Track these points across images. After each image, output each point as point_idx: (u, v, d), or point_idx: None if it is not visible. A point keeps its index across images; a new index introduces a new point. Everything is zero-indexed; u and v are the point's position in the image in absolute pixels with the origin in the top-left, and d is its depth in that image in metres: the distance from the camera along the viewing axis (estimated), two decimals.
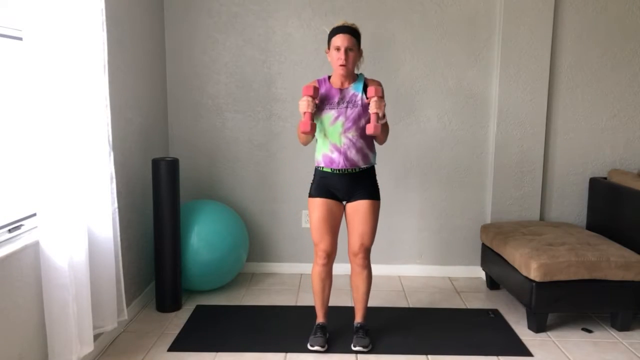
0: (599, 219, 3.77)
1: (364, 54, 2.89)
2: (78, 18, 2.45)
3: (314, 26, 3.85)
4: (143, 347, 2.92)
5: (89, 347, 2.51)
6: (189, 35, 3.88)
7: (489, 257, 3.67)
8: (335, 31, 2.75)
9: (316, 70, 3.86)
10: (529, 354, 2.88)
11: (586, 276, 3.05)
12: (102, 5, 2.59)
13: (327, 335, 2.96)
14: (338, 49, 2.72)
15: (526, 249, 3.16)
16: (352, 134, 2.75)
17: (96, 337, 2.73)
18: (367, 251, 2.88)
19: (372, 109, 2.65)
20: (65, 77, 2.34)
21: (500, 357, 2.85)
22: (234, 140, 3.98)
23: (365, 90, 2.78)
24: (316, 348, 2.86)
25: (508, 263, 3.33)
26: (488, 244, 3.66)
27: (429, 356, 2.85)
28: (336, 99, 2.77)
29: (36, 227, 2.36)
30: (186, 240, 3.42)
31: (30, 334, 2.29)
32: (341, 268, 3.49)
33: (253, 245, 4.06)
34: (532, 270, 3.03)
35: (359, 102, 2.75)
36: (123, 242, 3.03)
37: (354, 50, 2.74)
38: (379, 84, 2.83)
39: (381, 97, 2.67)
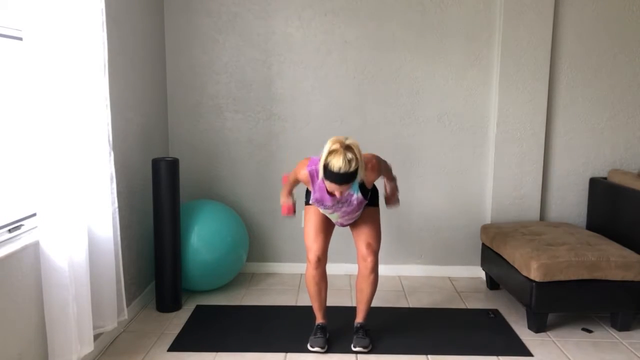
0: (599, 219, 3.77)
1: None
2: (78, 18, 2.45)
3: (314, 26, 3.85)
4: (143, 347, 2.92)
5: (89, 347, 2.51)
6: (189, 35, 3.88)
7: (489, 257, 3.67)
8: (330, 176, 2.48)
9: (316, 70, 3.87)
10: (529, 354, 2.88)
11: (586, 276, 3.05)
12: (102, 5, 2.59)
13: (327, 335, 2.96)
14: (332, 189, 2.56)
15: (526, 249, 3.16)
16: (347, 217, 2.83)
17: (96, 337, 2.73)
18: (375, 253, 2.88)
19: (389, 193, 2.93)
20: (65, 77, 2.34)
21: (500, 357, 2.85)
22: (234, 140, 3.98)
23: (361, 187, 2.67)
24: (316, 349, 2.86)
25: (508, 263, 3.33)
26: (488, 244, 3.66)
27: (429, 356, 2.85)
28: (330, 204, 2.71)
29: (36, 227, 2.36)
30: (186, 240, 3.42)
31: (30, 334, 2.28)
32: (341, 268, 3.50)
33: (253, 245, 4.06)
34: (532, 270, 3.03)
35: (355, 202, 2.70)
36: (123, 242, 3.03)
37: (349, 187, 2.58)
38: (376, 172, 2.71)
39: (393, 188, 2.93)
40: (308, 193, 2.91)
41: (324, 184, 2.63)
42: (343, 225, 2.94)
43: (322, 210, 2.83)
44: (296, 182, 2.86)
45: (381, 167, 2.76)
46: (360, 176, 2.55)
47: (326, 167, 2.47)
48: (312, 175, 2.67)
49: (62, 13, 2.31)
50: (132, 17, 3.28)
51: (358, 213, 2.82)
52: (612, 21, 3.81)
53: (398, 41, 3.86)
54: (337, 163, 2.42)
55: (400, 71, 3.89)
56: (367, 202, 2.77)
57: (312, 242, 2.88)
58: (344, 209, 2.74)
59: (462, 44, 3.85)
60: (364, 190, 2.71)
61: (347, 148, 2.45)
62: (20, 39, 2.23)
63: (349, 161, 2.43)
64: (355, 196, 2.69)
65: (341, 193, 2.56)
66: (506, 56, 3.78)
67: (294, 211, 3.01)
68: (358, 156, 2.47)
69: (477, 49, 3.86)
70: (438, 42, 3.85)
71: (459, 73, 3.88)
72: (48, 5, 2.22)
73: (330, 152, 2.46)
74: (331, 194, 2.66)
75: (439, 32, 3.85)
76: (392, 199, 3.01)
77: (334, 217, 2.85)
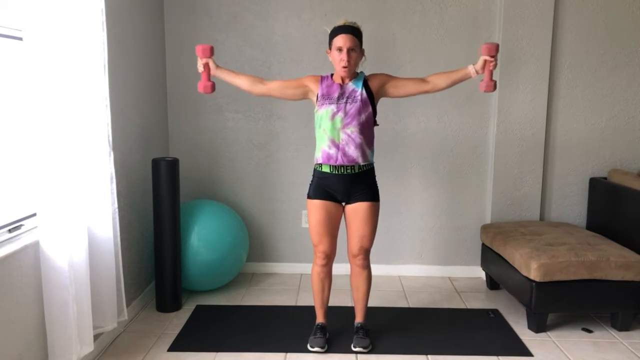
0: (599, 219, 3.77)
1: (365, 52, 2.87)
2: (78, 18, 2.45)
3: (314, 26, 3.85)
4: (143, 347, 2.92)
5: (89, 347, 2.51)
6: (189, 35, 3.88)
7: (489, 257, 3.67)
8: (336, 31, 2.72)
9: (316, 70, 3.85)
10: (529, 354, 2.88)
11: (586, 276, 3.05)
12: (102, 5, 2.59)
13: (327, 335, 2.96)
14: (340, 49, 2.69)
15: (526, 249, 3.16)
16: (350, 130, 2.72)
17: (96, 337, 2.73)
18: (366, 252, 2.88)
19: (487, 70, 2.71)
20: (65, 77, 2.34)
21: (500, 357, 2.85)
22: (234, 140, 3.98)
23: (365, 85, 2.77)
24: (316, 349, 2.86)
25: (508, 263, 3.33)
26: (488, 244, 3.66)
27: (429, 356, 2.85)
28: (336, 95, 2.75)
29: (36, 227, 2.36)
30: (186, 240, 3.42)
31: (30, 334, 2.29)
32: (341, 268, 3.49)
33: (253, 245, 4.06)
34: (532, 270, 3.03)
35: (359, 98, 2.74)
36: (123, 242, 3.03)
37: (356, 51, 2.73)
38: (380, 74, 2.85)
39: (494, 53, 2.69)
40: (310, 185, 2.88)
41: (331, 80, 2.79)
42: (345, 156, 2.74)
43: (326, 114, 2.72)
44: (294, 85, 2.84)
45: (385, 75, 2.86)
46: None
47: (333, 30, 2.74)
48: (322, 77, 2.83)
49: (62, 13, 2.31)
50: (132, 17, 3.28)
51: (362, 117, 2.73)
52: (612, 21, 3.81)
53: (398, 41, 3.86)
54: (342, 21, 2.75)
55: (400, 71, 3.88)
56: (371, 111, 2.77)
57: (318, 240, 2.85)
58: (348, 106, 2.72)
59: (462, 44, 3.85)
60: (369, 94, 2.77)
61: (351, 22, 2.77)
62: (20, 39, 2.23)
63: (353, 23, 2.76)
64: (359, 91, 2.74)
65: (348, 54, 2.67)
66: (506, 56, 3.77)
67: (211, 89, 2.79)
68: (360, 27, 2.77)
69: (477, 49, 3.84)
70: (438, 42, 3.85)
71: None
72: (48, 5, 2.22)
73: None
74: (337, 81, 2.77)
75: (439, 32, 3.85)
76: (491, 81, 2.74)
77: (335, 127, 2.72)
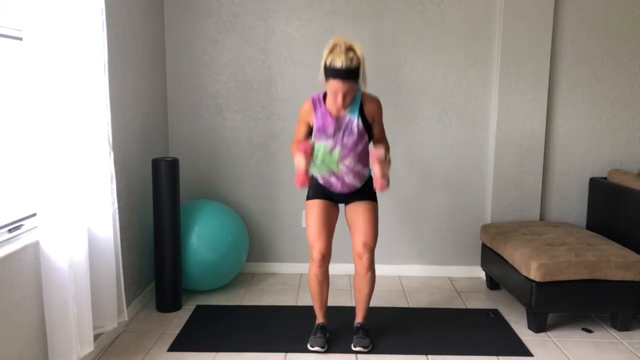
0: (599, 219, 3.77)
1: (367, 78, 2.71)
2: (78, 18, 2.45)
3: (314, 26, 3.85)
4: (143, 347, 2.92)
5: (89, 347, 2.51)
6: (189, 35, 3.88)
7: (489, 257, 3.67)
8: (333, 73, 2.52)
9: (316, 70, 3.84)
10: (529, 354, 2.88)
11: (586, 276, 3.05)
12: (102, 5, 2.59)
13: (327, 335, 2.96)
14: (335, 92, 2.59)
15: (526, 249, 3.16)
16: (348, 161, 2.75)
17: (96, 337, 2.73)
18: (371, 251, 2.88)
19: (377, 173, 2.62)
20: (65, 77, 2.34)
21: (500, 357, 2.85)
22: (234, 140, 3.99)
23: (361, 110, 2.70)
24: (316, 348, 2.86)
25: (508, 263, 3.33)
26: (488, 244, 3.66)
27: (429, 356, 2.85)
28: (331, 129, 2.70)
29: (36, 227, 2.36)
30: (186, 240, 3.42)
31: (30, 334, 2.28)
32: (341, 268, 3.50)
33: (253, 245, 4.06)
34: (532, 270, 3.03)
35: (355, 130, 2.70)
36: (123, 242, 3.03)
37: (352, 92, 2.62)
38: (377, 104, 2.76)
39: (383, 161, 2.59)
40: (309, 188, 2.90)
41: (325, 108, 2.69)
42: (344, 185, 2.80)
43: (324, 148, 2.70)
44: (305, 130, 2.76)
45: (379, 110, 2.77)
46: (362, 73, 2.57)
47: (329, 66, 2.51)
48: (315, 103, 2.73)
49: (62, 13, 2.31)
50: (132, 17, 3.28)
51: (359, 148, 2.72)
52: (612, 21, 3.81)
53: (398, 41, 3.86)
54: (339, 60, 2.49)
55: (400, 71, 3.89)
56: (366, 139, 2.74)
57: (315, 239, 2.85)
58: (345, 140, 2.69)
59: (462, 44, 3.85)
60: (364, 121, 2.71)
61: (348, 49, 2.50)
62: (20, 39, 2.23)
63: (351, 59, 2.50)
64: (355, 122, 2.70)
65: (344, 98, 2.58)
66: (506, 56, 3.78)
67: (309, 182, 2.72)
68: (359, 54, 2.53)
69: (477, 49, 3.86)
70: (438, 42, 3.85)
71: (459, 73, 3.88)
72: (48, 5, 2.22)
73: (331, 51, 2.51)
74: (332, 115, 2.68)
75: (439, 32, 3.85)
76: (381, 180, 2.65)
77: (334, 160, 2.73)
